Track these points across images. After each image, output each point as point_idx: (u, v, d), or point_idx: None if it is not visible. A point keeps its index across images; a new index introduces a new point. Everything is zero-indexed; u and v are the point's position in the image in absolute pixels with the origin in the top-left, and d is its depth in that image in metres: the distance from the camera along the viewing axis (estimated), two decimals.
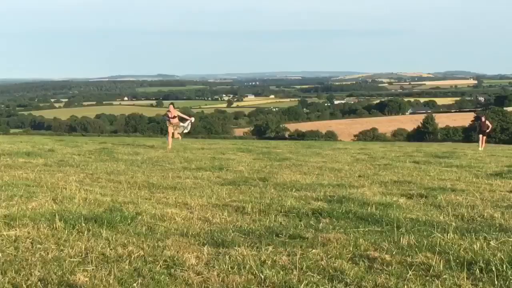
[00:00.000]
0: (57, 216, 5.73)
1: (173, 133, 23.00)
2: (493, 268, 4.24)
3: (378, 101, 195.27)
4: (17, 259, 4.40)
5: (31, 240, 4.95)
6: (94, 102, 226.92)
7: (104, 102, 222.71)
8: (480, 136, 28.55)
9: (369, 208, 7.03)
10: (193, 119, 24.29)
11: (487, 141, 31.05)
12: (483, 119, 29.70)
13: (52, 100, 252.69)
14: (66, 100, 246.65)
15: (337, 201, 7.63)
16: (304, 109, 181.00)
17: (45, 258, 4.46)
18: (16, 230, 5.26)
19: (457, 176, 11.91)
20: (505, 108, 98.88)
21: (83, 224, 5.52)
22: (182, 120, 23.52)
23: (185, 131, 22.83)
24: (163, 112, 35.47)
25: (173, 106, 23.85)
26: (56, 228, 5.41)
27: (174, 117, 22.96)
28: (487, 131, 29.36)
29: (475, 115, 68.55)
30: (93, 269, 4.19)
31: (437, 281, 4.08)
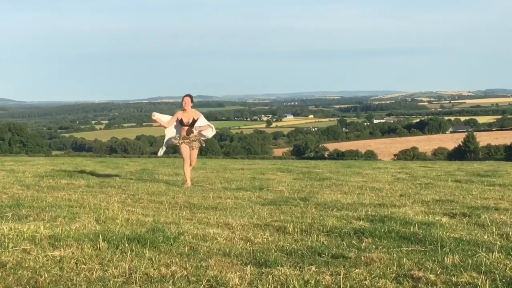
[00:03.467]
0: (100, 237, 5.78)
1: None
2: None
3: (417, 120, 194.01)
4: (62, 279, 4.44)
5: (75, 261, 4.99)
6: (134, 124, 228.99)
7: (144, 124, 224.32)
8: None
9: (412, 227, 6.97)
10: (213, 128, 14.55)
11: None
12: None
13: (93, 122, 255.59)
14: (107, 122, 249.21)
15: (379, 221, 7.58)
16: (343, 128, 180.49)
17: (90, 278, 4.50)
18: (60, 250, 5.31)
19: (500, 195, 11.76)
20: None
21: (126, 245, 5.56)
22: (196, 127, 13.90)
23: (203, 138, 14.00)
24: None
25: (191, 100, 13.83)
26: (99, 248, 5.45)
27: (192, 123, 13.60)
28: None
29: None
30: None
31: None
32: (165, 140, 14.28)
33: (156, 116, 14.15)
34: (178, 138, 13.80)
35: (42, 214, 7.52)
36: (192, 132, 13.77)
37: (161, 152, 14.70)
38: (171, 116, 14.34)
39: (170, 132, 14.08)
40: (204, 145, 14.18)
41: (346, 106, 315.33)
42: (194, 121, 13.74)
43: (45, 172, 15.12)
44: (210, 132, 14.33)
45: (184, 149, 13.74)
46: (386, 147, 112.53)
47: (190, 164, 13.87)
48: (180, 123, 13.82)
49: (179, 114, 13.95)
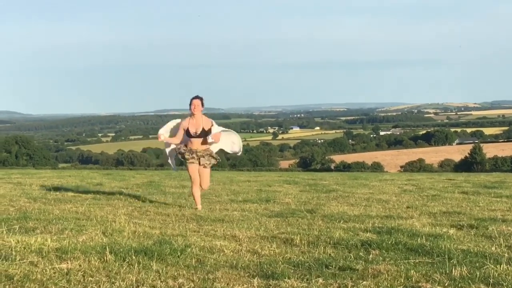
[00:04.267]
0: (107, 249, 5.78)
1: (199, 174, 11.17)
2: None
3: (424, 131, 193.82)
4: None
5: (82, 273, 4.99)
6: (140, 136, 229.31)
7: (150, 136, 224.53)
8: None
9: (419, 239, 6.96)
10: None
11: None
12: None
13: (100, 134, 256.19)
14: (113, 134, 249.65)
15: (386, 233, 7.57)
16: (350, 140, 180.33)
17: None
18: (67, 263, 5.31)
19: (508, 207, 11.74)
20: None
21: (133, 257, 5.56)
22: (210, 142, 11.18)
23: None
24: None
25: (202, 103, 11.15)
26: (106, 261, 5.45)
27: (203, 134, 10.99)
28: None
29: None
30: None
31: None
32: (167, 151, 11.88)
33: (163, 137, 11.47)
34: (184, 152, 11.06)
35: (49, 226, 7.53)
36: (204, 147, 11.13)
37: (173, 163, 12.05)
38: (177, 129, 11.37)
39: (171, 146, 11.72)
40: (217, 161, 11.39)
41: (352, 118, 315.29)
42: (205, 132, 10.96)
43: (51, 185, 15.14)
44: (236, 146, 11.87)
45: (191, 168, 11.07)
46: (393, 159, 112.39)
47: (200, 186, 11.21)
48: (187, 134, 11.06)
49: (185, 123, 11.09)
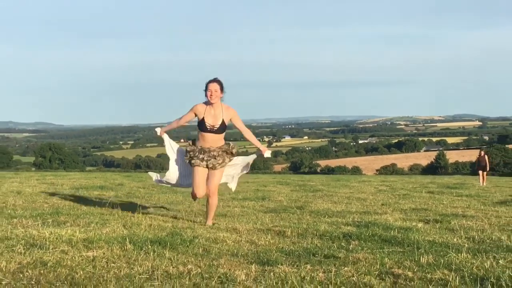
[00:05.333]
0: (127, 240, 5.77)
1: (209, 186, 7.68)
2: (503, 284, 4.16)
3: (396, 140, 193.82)
4: (95, 276, 4.43)
5: (106, 260, 4.98)
6: (155, 144, 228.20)
7: (164, 144, 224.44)
8: (480, 172, 25.66)
9: (392, 231, 6.95)
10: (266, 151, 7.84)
11: (488, 174, 28.90)
12: (482, 153, 26.98)
13: (121, 142, 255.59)
14: (132, 142, 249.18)
15: (364, 226, 7.57)
16: (333, 148, 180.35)
17: (118, 275, 4.48)
18: (93, 251, 5.30)
19: (467, 204, 11.75)
20: (507, 146, 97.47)
21: (149, 246, 5.55)
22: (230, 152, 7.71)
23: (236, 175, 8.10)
24: None
25: (221, 87, 7.42)
26: (126, 249, 5.44)
27: (222, 127, 7.52)
28: (486, 166, 26.13)
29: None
30: (159, 284, 4.20)
31: None
32: (171, 159, 8.22)
33: (159, 130, 8.38)
34: (191, 153, 7.62)
35: (78, 220, 7.52)
36: (216, 148, 7.56)
37: (154, 177, 8.53)
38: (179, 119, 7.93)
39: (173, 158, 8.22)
40: (231, 159, 7.79)
41: (335, 128, 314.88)
42: (225, 126, 7.52)
43: (80, 185, 15.12)
44: (249, 158, 8.09)
45: (198, 172, 7.55)
46: (370, 163, 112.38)
47: (208, 191, 7.64)
48: (200, 126, 7.52)
49: (200, 109, 7.46)
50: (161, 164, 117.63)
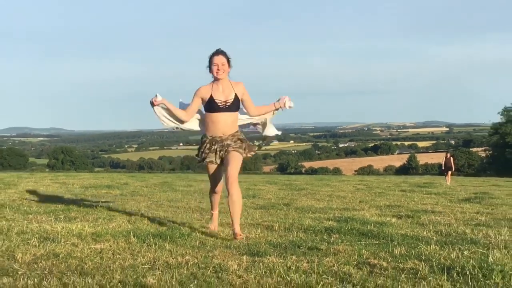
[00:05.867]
0: (131, 233, 5.75)
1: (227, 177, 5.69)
2: (467, 272, 4.17)
3: (372, 144, 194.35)
4: (102, 266, 4.42)
5: (112, 252, 4.97)
6: (157, 147, 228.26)
7: (165, 147, 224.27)
8: (446, 172, 25.68)
9: (369, 226, 6.97)
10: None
11: (454, 174, 28.94)
12: (447, 155, 26.98)
13: (126, 146, 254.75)
14: (136, 146, 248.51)
15: (343, 221, 7.58)
16: (316, 151, 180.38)
17: (123, 265, 4.47)
18: (100, 244, 5.28)
19: (436, 201, 11.79)
20: (471, 149, 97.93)
21: (151, 239, 5.53)
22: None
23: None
24: None
25: (228, 61, 5.70)
26: (131, 242, 5.42)
27: (235, 104, 5.73)
28: (451, 167, 26.10)
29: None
30: (159, 273, 4.19)
31: (423, 282, 4.02)
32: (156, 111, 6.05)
33: (160, 98, 5.90)
34: (202, 149, 5.99)
35: (87, 216, 7.49)
36: (236, 130, 5.98)
37: (166, 123, 6.13)
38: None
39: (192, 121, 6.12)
40: (255, 151, 6.41)
41: (318, 133, 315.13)
42: (238, 101, 5.86)
43: (89, 184, 15.07)
44: (271, 129, 6.77)
45: (211, 167, 6.02)
46: (349, 165, 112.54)
47: (227, 181, 5.75)
48: (208, 107, 5.81)
49: (205, 89, 5.79)
50: (162, 166, 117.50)
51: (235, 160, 5.81)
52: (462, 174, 62.45)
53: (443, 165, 27.47)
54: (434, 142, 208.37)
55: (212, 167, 6.01)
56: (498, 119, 69.47)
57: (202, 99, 5.80)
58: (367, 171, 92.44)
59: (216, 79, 5.73)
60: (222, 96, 5.72)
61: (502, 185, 21.62)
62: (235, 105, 5.79)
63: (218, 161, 5.92)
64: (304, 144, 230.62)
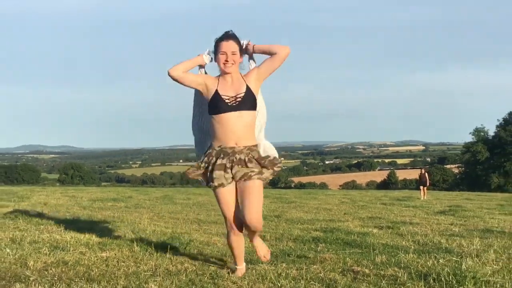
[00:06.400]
0: (135, 243, 5.71)
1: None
2: (443, 279, 4.16)
3: (356, 161, 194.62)
4: (107, 273, 4.38)
5: (117, 260, 4.93)
6: (159, 164, 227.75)
7: (166, 163, 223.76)
8: (421, 187, 24.72)
9: (352, 236, 6.95)
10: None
11: (429, 189, 28.81)
12: (422, 171, 26.13)
13: (130, 162, 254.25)
14: (140, 162, 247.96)
15: (329, 231, 7.55)
16: (305, 167, 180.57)
17: (127, 272, 4.44)
18: (106, 252, 5.24)
19: (413, 214, 11.78)
20: (445, 166, 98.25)
21: (153, 248, 5.49)
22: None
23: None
24: None
25: (240, 47, 3.70)
26: (134, 251, 5.38)
27: (247, 99, 3.67)
28: (426, 182, 25.17)
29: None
30: (160, 279, 4.16)
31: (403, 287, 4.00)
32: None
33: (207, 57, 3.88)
34: (206, 160, 3.86)
35: (94, 226, 7.45)
36: (252, 137, 3.86)
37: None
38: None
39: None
40: (280, 165, 4.10)
41: (306, 151, 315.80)
42: (252, 95, 3.78)
43: (96, 198, 14.99)
44: (270, 149, 4.13)
45: (225, 195, 3.91)
46: (334, 180, 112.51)
47: (249, 229, 4.14)
48: (212, 106, 3.77)
49: (210, 80, 3.84)
50: (163, 181, 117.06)
51: (255, 193, 3.87)
52: (437, 189, 62.52)
53: (418, 180, 27.20)
54: (412, 159, 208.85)
55: (224, 193, 3.94)
56: (470, 138, 69.87)
57: (204, 91, 3.86)
58: (351, 185, 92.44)
59: (223, 73, 3.86)
60: (231, 90, 3.81)
61: (474, 199, 21.67)
62: (248, 102, 3.80)
63: (230, 182, 3.89)
64: (294, 161, 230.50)
